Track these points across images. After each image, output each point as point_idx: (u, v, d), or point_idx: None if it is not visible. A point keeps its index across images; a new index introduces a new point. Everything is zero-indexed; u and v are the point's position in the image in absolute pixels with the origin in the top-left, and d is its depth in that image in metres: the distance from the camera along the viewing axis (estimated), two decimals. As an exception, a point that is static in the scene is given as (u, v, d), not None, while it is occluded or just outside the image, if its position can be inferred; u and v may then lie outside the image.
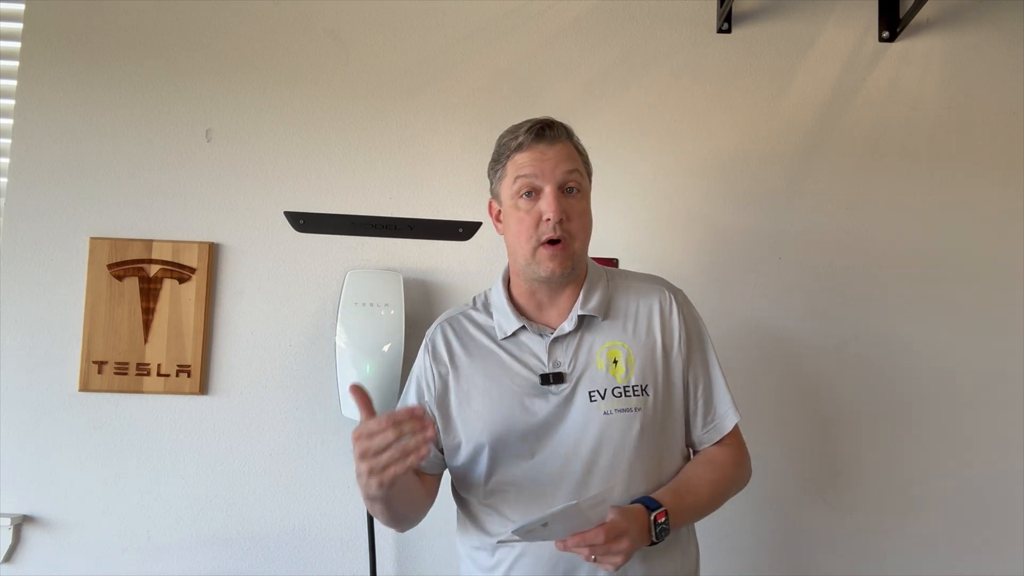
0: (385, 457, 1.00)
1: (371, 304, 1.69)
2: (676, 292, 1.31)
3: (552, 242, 1.19)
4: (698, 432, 1.27)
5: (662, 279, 1.33)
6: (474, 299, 1.35)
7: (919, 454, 1.80)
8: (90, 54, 1.80)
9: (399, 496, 1.14)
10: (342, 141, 1.82)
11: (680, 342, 1.25)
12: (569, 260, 1.21)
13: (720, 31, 1.87)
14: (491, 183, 1.31)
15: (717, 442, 1.28)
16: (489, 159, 1.81)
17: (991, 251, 1.84)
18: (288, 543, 1.74)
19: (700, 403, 1.27)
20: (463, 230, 1.81)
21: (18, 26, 1.81)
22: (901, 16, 1.85)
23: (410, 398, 1.31)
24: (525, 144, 1.22)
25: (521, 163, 1.22)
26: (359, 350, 1.67)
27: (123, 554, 1.71)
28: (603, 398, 1.19)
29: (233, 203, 1.80)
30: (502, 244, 1.79)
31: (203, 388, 1.75)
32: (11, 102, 1.79)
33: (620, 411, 1.19)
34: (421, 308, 1.78)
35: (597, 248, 1.80)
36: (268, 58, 1.83)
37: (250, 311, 1.78)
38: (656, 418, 1.21)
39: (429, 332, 1.33)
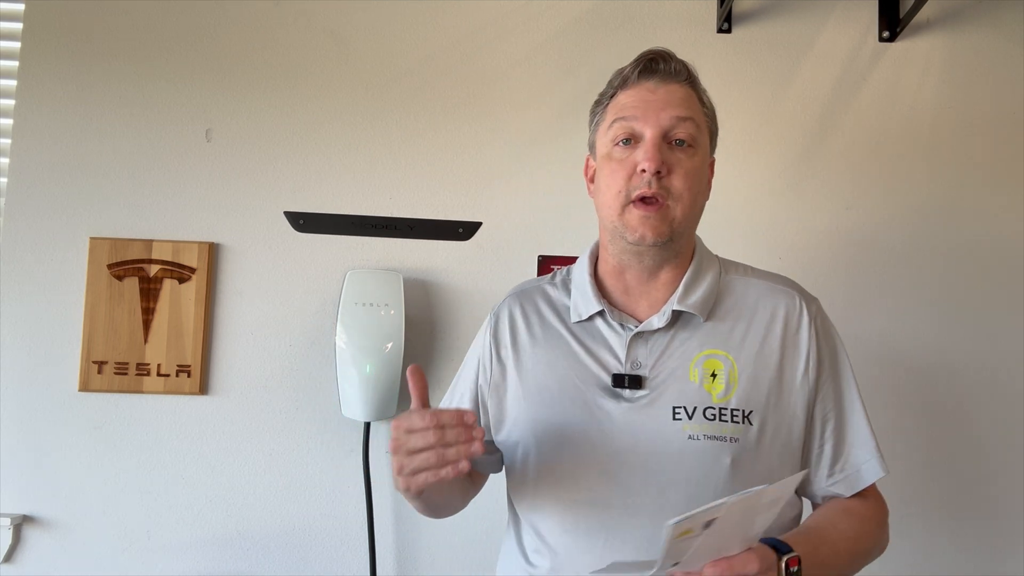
0: (419, 460, 0.85)
1: (371, 304, 1.69)
2: (810, 301, 1.05)
3: (646, 201, 0.96)
4: (821, 482, 1.02)
5: (794, 282, 1.07)
6: (555, 273, 1.14)
7: (918, 454, 1.80)
8: (90, 54, 1.80)
9: (436, 494, 1.00)
10: (342, 141, 1.82)
11: (808, 364, 1.00)
12: (665, 225, 0.97)
13: (720, 31, 1.87)
14: (589, 133, 1.08)
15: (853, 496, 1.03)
16: (489, 158, 1.83)
17: (991, 251, 1.84)
18: (288, 543, 1.74)
19: (828, 445, 1.01)
20: (463, 230, 1.81)
21: (18, 26, 1.81)
22: (901, 16, 1.85)
23: (466, 377, 1.13)
24: (631, 79, 1.00)
25: (623, 103, 1.00)
26: (359, 350, 1.67)
27: (123, 554, 1.71)
28: (691, 418, 0.94)
29: (233, 203, 1.80)
30: (502, 244, 1.81)
31: (203, 388, 1.75)
32: (11, 102, 1.79)
33: (710, 438, 0.94)
34: (421, 308, 1.78)
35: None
36: (268, 58, 1.83)
37: (250, 311, 1.78)
38: (759, 455, 0.95)
39: (495, 306, 1.13)
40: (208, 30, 1.83)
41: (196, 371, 1.74)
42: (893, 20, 1.87)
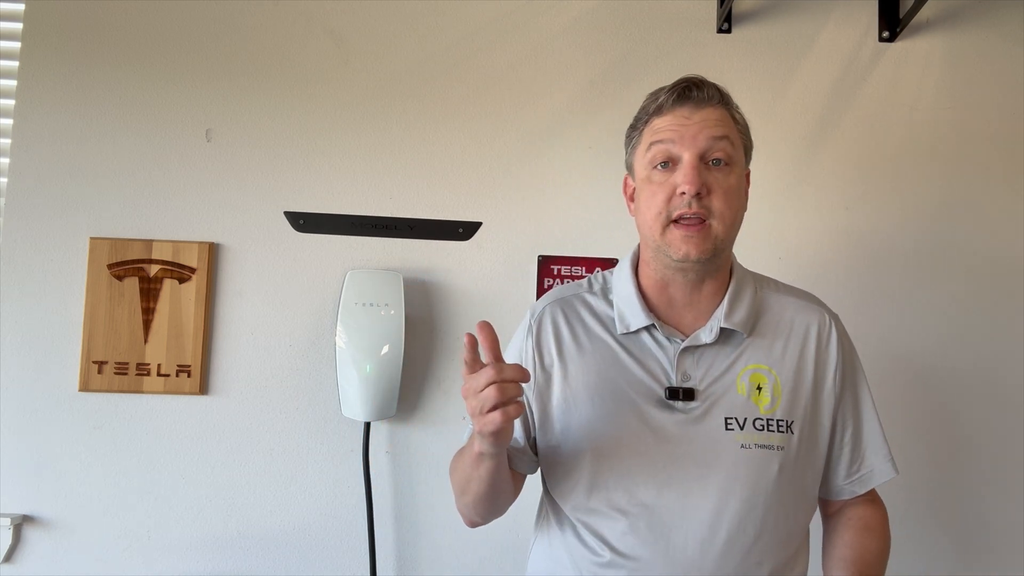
0: (486, 396, 0.88)
1: (371, 304, 1.69)
2: (835, 316, 1.12)
3: (688, 220, 1.00)
4: (839, 481, 1.11)
5: (819, 299, 1.14)
6: (590, 281, 1.15)
7: (918, 455, 1.80)
8: (90, 54, 1.80)
9: (500, 472, 1.02)
10: (342, 141, 1.82)
11: (835, 376, 1.07)
12: (709, 243, 1.02)
13: (720, 31, 1.87)
14: (626, 154, 1.12)
15: (858, 496, 1.12)
16: (489, 158, 1.83)
17: (991, 251, 1.84)
18: (288, 543, 1.74)
19: (847, 448, 1.10)
20: (463, 230, 1.81)
21: (18, 26, 1.81)
22: (901, 16, 1.85)
23: None
24: (666, 106, 1.03)
25: (659, 128, 1.03)
26: (359, 350, 1.67)
27: (123, 554, 1.71)
28: (742, 428, 1.01)
29: (233, 203, 1.80)
30: (502, 244, 1.81)
31: (203, 388, 1.75)
32: (11, 102, 1.79)
33: (760, 447, 1.00)
34: (421, 308, 1.78)
35: (596, 248, 1.80)
36: (268, 58, 1.83)
37: (250, 311, 1.78)
38: (799, 461, 1.03)
39: (535, 311, 1.13)
40: (208, 30, 1.83)
41: (196, 371, 1.74)
42: (893, 20, 1.87)
